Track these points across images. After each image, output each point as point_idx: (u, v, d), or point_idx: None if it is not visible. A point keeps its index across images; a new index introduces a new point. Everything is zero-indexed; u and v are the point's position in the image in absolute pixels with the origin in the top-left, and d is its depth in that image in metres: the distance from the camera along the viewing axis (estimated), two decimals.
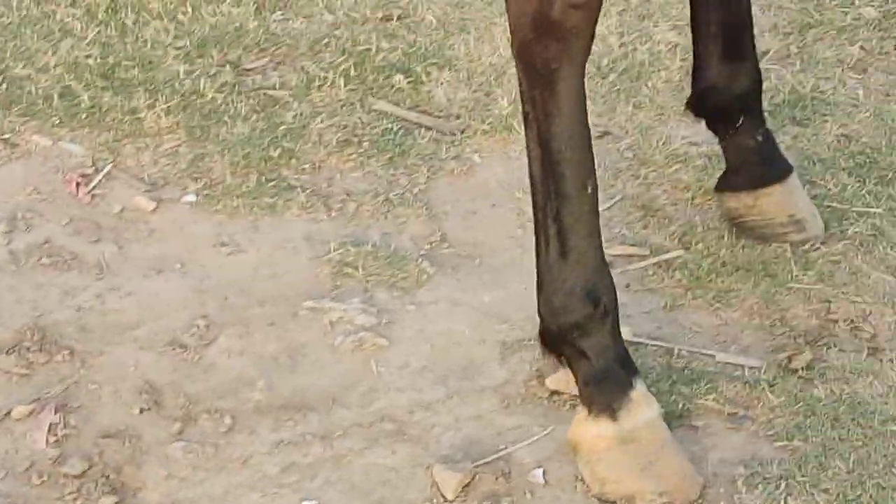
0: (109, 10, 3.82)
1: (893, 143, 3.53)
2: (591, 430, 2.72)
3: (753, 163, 3.28)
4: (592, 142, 2.80)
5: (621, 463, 2.72)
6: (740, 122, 3.29)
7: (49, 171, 3.31)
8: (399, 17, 3.80)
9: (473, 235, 3.19)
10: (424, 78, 3.60)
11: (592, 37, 2.84)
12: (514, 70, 3.56)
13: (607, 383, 2.75)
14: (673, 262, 3.13)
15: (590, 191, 2.77)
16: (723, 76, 3.27)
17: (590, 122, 3.48)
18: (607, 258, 2.96)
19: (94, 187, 3.25)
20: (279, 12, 3.78)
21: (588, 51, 2.83)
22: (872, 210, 3.30)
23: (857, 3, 4.02)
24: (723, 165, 3.32)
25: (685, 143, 3.48)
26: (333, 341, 2.87)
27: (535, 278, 2.97)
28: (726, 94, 3.28)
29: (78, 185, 3.25)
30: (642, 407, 2.75)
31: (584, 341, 2.71)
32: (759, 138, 3.28)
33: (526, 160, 3.29)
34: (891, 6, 4.00)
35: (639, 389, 2.74)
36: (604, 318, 2.78)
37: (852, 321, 2.99)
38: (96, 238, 3.10)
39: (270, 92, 3.52)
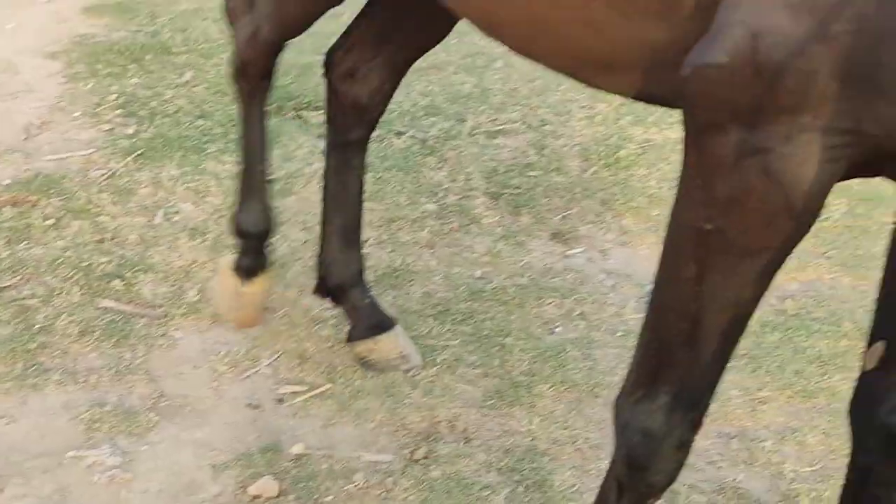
0: None
1: (459, 296, 3.66)
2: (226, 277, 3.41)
3: (368, 318, 3.36)
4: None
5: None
6: (353, 290, 3.38)
7: None
8: (112, 238, 3.75)
9: (183, 390, 3.17)
10: (134, 280, 3.57)
11: (262, 89, 3.31)
12: (197, 269, 3.68)
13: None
14: (325, 393, 3.18)
15: (261, 170, 3.35)
16: (340, 260, 3.37)
17: None
18: (277, 396, 3.18)
19: None
20: (24, 243, 3.67)
21: (259, 93, 3.31)
22: (452, 343, 3.44)
23: (422, 200, 4.18)
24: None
25: (321, 309, 3.52)
26: (92, 479, 2.81)
27: (232, 416, 3.10)
28: (344, 273, 3.37)
29: None
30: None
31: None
32: (368, 301, 3.38)
33: (213, 333, 3.45)
34: (444, 202, 4.19)
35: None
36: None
37: (450, 421, 3.10)
38: None
39: (24, 302, 3.42)
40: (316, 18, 3.12)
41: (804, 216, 1.89)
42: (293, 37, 3.20)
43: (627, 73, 2.16)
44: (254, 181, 3.37)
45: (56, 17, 5.48)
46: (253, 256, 3.40)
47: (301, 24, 3.15)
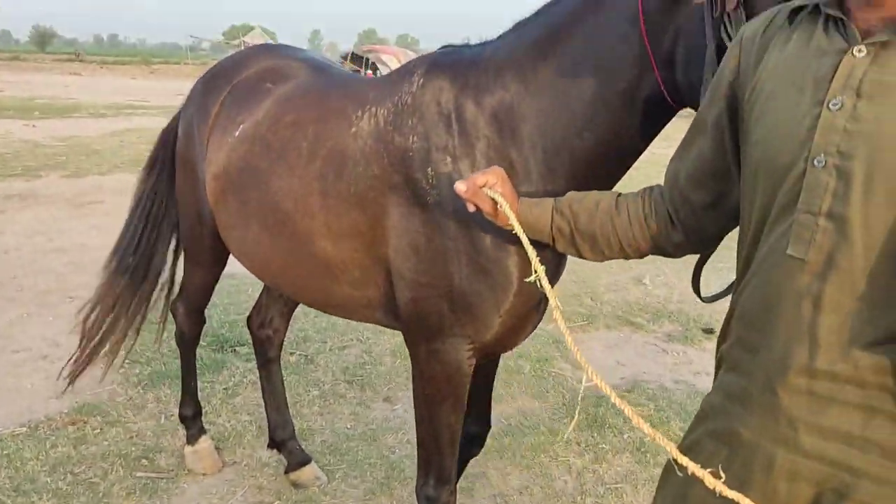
0: None
1: (341, 440, 3.60)
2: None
3: (296, 458, 3.34)
4: None
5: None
6: (289, 442, 3.36)
7: None
8: (136, 435, 3.54)
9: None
10: (154, 458, 3.42)
11: (193, 344, 3.26)
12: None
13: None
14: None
15: (193, 383, 3.24)
16: (280, 426, 3.37)
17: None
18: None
19: None
20: (83, 445, 3.40)
21: (192, 346, 3.26)
22: (341, 466, 3.39)
23: (310, 389, 4.11)
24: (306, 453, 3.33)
25: (269, 457, 3.47)
26: None
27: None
28: (283, 433, 3.37)
29: None
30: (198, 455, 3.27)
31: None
32: (297, 448, 3.37)
33: (206, 481, 3.29)
34: (323, 389, 4.11)
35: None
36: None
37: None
38: None
39: (90, 480, 3.17)
40: (212, 287, 3.06)
41: (463, 378, 1.98)
42: (206, 303, 3.18)
43: (362, 315, 2.16)
44: (189, 389, 3.38)
45: None
46: (194, 429, 3.38)
47: (207, 293, 3.09)
